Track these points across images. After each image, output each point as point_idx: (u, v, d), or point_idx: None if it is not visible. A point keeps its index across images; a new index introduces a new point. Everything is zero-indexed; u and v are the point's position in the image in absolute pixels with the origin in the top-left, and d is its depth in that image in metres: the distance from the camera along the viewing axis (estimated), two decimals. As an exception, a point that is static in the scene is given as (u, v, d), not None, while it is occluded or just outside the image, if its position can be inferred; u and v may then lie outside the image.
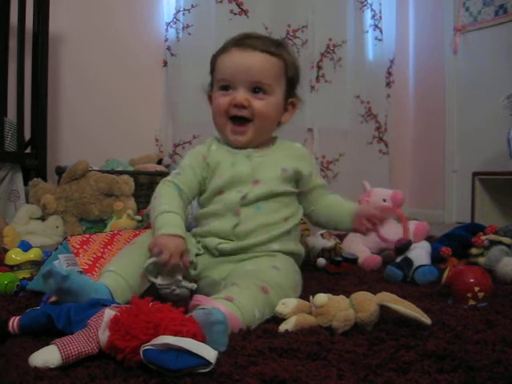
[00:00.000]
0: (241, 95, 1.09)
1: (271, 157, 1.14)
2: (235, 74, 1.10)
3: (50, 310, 0.79)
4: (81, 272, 1.06)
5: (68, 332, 0.74)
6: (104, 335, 0.70)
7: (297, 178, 1.16)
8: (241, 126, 1.12)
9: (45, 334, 0.79)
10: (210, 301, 0.84)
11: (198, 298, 0.86)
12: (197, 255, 1.09)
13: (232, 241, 1.08)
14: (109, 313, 0.73)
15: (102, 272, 0.97)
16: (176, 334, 0.66)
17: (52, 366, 0.66)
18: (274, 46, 1.14)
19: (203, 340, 0.69)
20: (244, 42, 1.12)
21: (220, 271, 1.05)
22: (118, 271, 0.95)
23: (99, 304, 0.79)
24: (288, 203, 1.14)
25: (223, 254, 1.08)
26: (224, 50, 1.14)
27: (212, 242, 1.08)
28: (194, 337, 0.67)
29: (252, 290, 0.90)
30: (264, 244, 1.08)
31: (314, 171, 1.20)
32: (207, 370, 0.64)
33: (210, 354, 0.64)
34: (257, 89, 1.10)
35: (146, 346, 0.65)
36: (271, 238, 1.08)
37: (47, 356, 0.67)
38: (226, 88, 1.11)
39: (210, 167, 1.14)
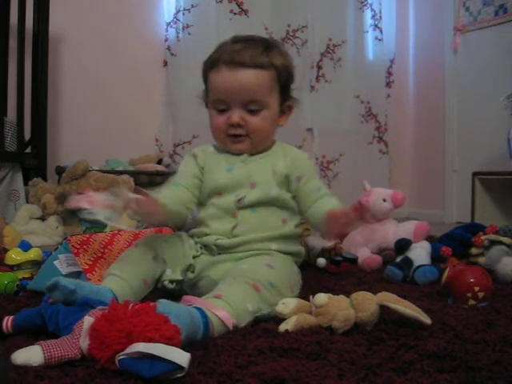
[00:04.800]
0: (235, 115, 1.10)
1: (265, 160, 1.16)
2: (227, 94, 1.10)
3: (44, 310, 0.80)
4: (80, 272, 1.07)
5: (58, 335, 0.76)
6: (85, 343, 0.70)
7: (287, 182, 1.15)
8: (238, 139, 1.13)
9: (44, 333, 0.79)
10: (199, 301, 0.85)
11: (187, 298, 0.87)
12: (194, 257, 1.10)
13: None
14: (88, 320, 0.72)
15: (106, 274, 0.98)
16: (150, 340, 0.66)
17: (34, 365, 0.67)
18: (263, 54, 1.11)
19: (179, 342, 0.68)
20: (232, 58, 1.09)
21: (218, 271, 1.06)
22: (122, 275, 0.96)
23: (87, 305, 0.80)
24: (284, 206, 1.14)
25: (221, 250, 1.09)
26: (213, 66, 1.12)
27: (210, 238, 1.10)
28: (170, 340, 0.67)
29: (242, 286, 0.91)
30: (261, 241, 1.09)
31: (307, 176, 1.15)
32: (182, 374, 0.64)
33: (182, 358, 0.64)
34: (251, 105, 1.10)
35: (121, 356, 0.65)
36: (269, 237, 1.09)
37: (30, 355, 0.68)
38: (221, 108, 1.12)
39: (204, 167, 1.17)
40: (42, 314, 0.79)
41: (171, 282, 1.05)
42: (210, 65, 1.13)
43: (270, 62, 1.11)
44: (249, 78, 1.09)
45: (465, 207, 3.04)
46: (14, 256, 1.28)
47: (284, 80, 1.15)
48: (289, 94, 1.18)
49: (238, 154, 1.15)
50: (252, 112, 1.11)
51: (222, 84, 1.10)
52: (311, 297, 0.89)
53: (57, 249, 1.12)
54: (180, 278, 1.06)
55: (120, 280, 0.95)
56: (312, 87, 3.36)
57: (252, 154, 1.16)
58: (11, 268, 1.26)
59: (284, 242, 1.11)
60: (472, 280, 1.04)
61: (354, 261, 1.43)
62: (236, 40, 1.14)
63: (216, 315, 0.82)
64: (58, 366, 0.68)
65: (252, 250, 1.07)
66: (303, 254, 1.20)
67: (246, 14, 3.10)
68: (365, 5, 3.51)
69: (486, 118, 3.14)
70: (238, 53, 1.09)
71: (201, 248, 1.11)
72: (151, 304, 0.73)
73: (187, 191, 1.14)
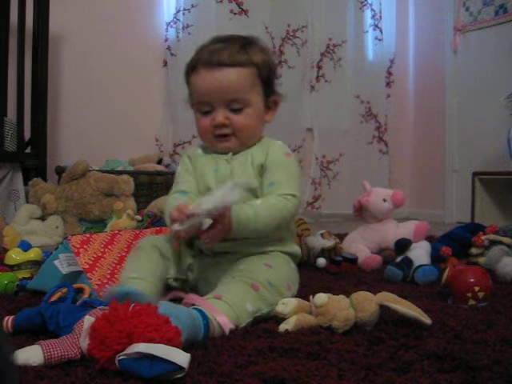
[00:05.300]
0: (219, 116, 1.09)
1: (246, 156, 1.13)
2: (209, 95, 1.09)
3: (44, 310, 0.80)
4: (81, 272, 1.07)
5: (58, 334, 0.76)
6: (85, 343, 0.70)
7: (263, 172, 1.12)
8: (225, 139, 1.12)
9: (44, 333, 0.79)
10: (201, 300, 0.85)
11: (190, 297, 0.87)
12: (193, 257, 1.10)
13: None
14: (88, 320, 0.73)
15: (123, 279, 0.97)
16: (150, 340, 0.65)
17: (34, 364, 0.67)
18: (242, 51, 1.09)
19: (179, 343, 0.68)
20: (211, 58, 1.07)
21: (217, 271, 1.05)
22: (143, 277, 0.96)
23: (88, 305, 0.80)
24: None
25: (217, 253, 1.08)
26: (193, 68, 1.11)
27: (202, 242, 1.08)
28: (170, 341, 0.67)
29: (241, 286, 0.91)
30: (256, 245, 1.07)
31: (270, 168, 1.10)
32: (182, 374, 0.64)
33: (182, 359, 0.64)
34: (233, 105, 1.09)
35: (121, 356, 0.65)
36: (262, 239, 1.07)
37: (30, 354, 0.68)
38: (204, 110, 1.11)
39: (195, 169, 1.16)
40: (42, 313, 0.79)
41: (175, 280, 1.05)
42: (191, 67, 1.12)
43: (249, 59, 1.09)
44: (228, 77, 1.07)
45: (465, 207, 3.04)
46: (14, 256, 1.28)
47: (265, 76, 1.13)
48: (273, 90, 1.16)
49: (224, 153, 1.14)
50: (235, 111, 1.09)
51: (203, 85, 1.09)
52: (311, 297, 0.89)
53: (57, 248, 1.12)
54: (184, 276, 1.07)
55: (143, 282, 0.95)
56: (312, 87, 3.36)
57: (236, 152, 1.14)
58: (11, 268, 1.26)
59: (279, 245, 1.09)
60: (472, 280, 1.04)
61: (353, 261, 1.43)
62: (215, 40, 1.14)
63: (216, 319, 0.82)
64: (57, 366, 0.68)
65: (248, 250, 1.06)
66: (299, 256, 1.17)
67: (246, 14, 3.10)
68: (365, 5, 3.51)
69: (486, 117, 3.14)
70: (217, 52, 1.08)
71: (199, 250, 1.11)
72: (152, 305, 0.73)
73: (194, 196, 1.13)
